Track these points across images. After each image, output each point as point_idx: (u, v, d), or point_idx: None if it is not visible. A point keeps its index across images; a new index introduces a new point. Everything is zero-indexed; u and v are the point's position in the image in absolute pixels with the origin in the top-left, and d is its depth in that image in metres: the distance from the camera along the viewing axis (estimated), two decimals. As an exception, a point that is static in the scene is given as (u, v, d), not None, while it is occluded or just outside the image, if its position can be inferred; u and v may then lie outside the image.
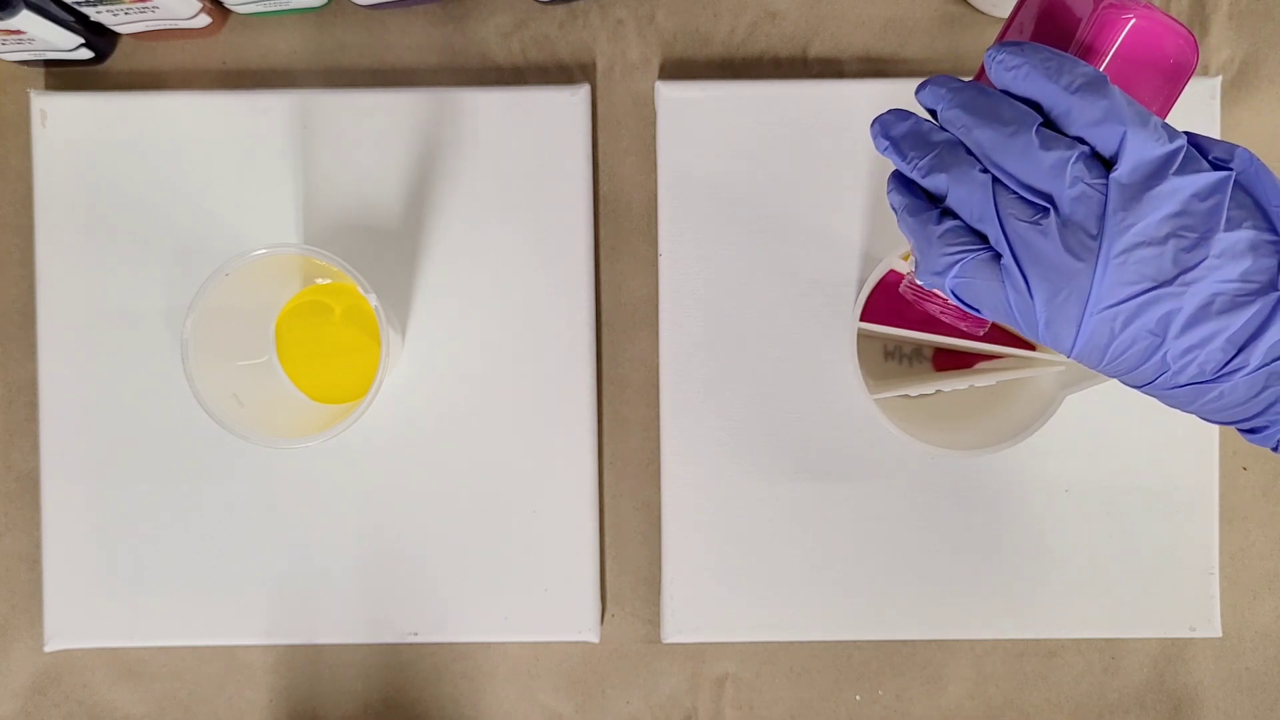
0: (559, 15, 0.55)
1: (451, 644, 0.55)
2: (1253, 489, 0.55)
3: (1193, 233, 0.32)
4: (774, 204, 0.54)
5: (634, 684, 0.55)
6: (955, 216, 0.35)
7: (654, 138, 0.54)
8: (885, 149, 0.37)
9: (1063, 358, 0.49)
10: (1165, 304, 0.32)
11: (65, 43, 0.51)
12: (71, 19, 0.50)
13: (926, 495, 0.54)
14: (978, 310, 0.35)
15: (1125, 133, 0.32)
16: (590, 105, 0.54)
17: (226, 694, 0.55)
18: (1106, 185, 0.32)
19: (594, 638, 0.54)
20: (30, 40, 0.49)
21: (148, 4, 0.49)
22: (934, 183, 0.35)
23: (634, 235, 0.55)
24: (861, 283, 0.53)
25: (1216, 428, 0.54)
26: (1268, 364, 0.32)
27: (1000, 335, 0.52)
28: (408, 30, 0.55)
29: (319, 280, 0.53)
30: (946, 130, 0.35)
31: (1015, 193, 0.34)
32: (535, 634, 0.54)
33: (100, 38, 0.53)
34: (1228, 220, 0.32)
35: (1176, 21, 0.37)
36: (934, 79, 0.36)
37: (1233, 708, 0.56)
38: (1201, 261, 0.32)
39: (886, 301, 0.53)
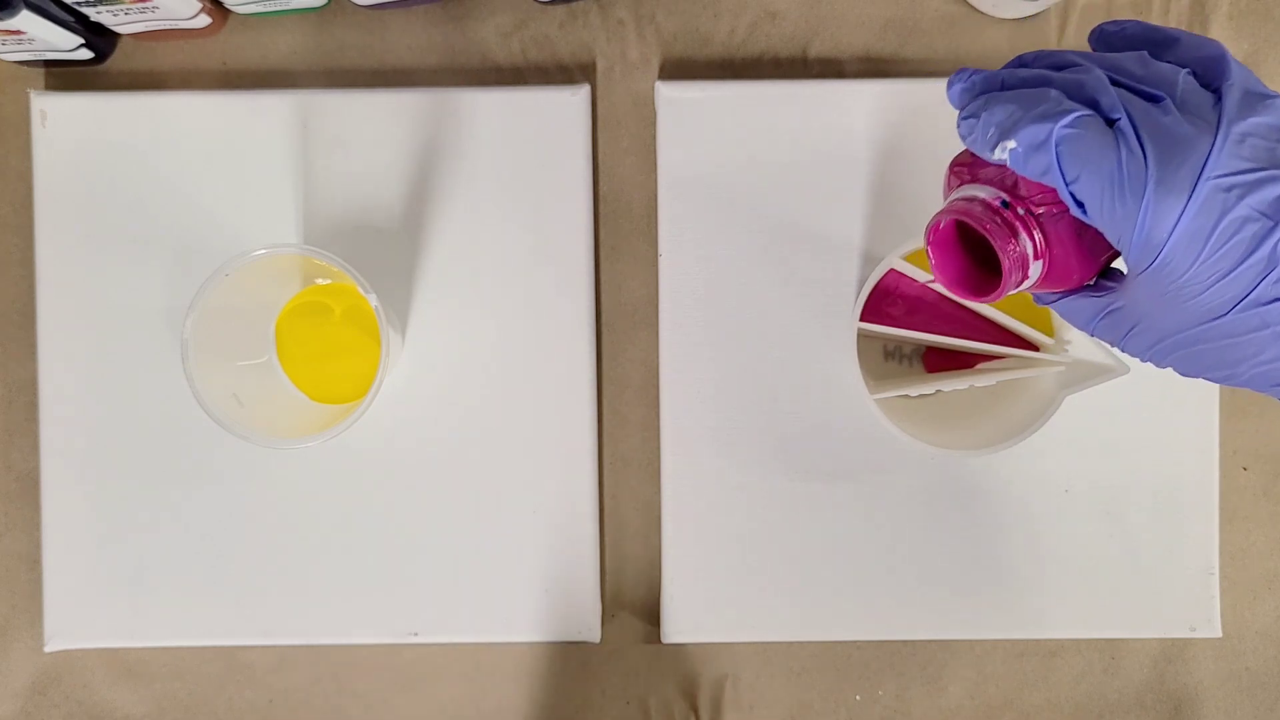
0: (559, 15, 0.55)
1: (451, 644, 0.55)
2: (1253, 489, 0.55)
3: None
4: (774, 204, 0.54)
5: (634, 684, 0.55)
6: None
7: (654, 138, 0.54)
8: (970, 76, 0.35)
9: (1063, 359, 0.49)
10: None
11: (65, 43, 0.51)
12: (71, 19, 0.50)
13: (926, 495, 0.54)
14: (1072, 183, 0.33)
15: (1230, 60, 0.33)
16: (590, 105, 0.54)
17: (226, 694, 0.55)
18: (1219, 92, 0.32)
19: (594, 638, 0.54)
20: (30, 40, 0.49)
21: (148, 4, 0.49)
22: (1040, 74, 0.34)
23: (634, 235, 0.55)
24: (861, 283, 0.53)
25: (1217, 427, 0.54)
26: None
27: (1001, 335, 0.52)
28: (408, 30, 0.55)
29: (319, 280, 0.53)
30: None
31: (1128, 87, 0.33)
32: (535, 634, 0.54)
33: (100, 38, 0.53)
34: None
35: None
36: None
37: (1233, 708, 0.56)
38: None
39: (887, 301, 0.53)
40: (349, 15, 0.55)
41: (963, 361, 0.54)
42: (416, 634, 0.54)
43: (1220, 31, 0.55)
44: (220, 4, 0.53)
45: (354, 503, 0.54)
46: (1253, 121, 0.31)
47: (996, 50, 0.55)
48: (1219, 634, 0.54)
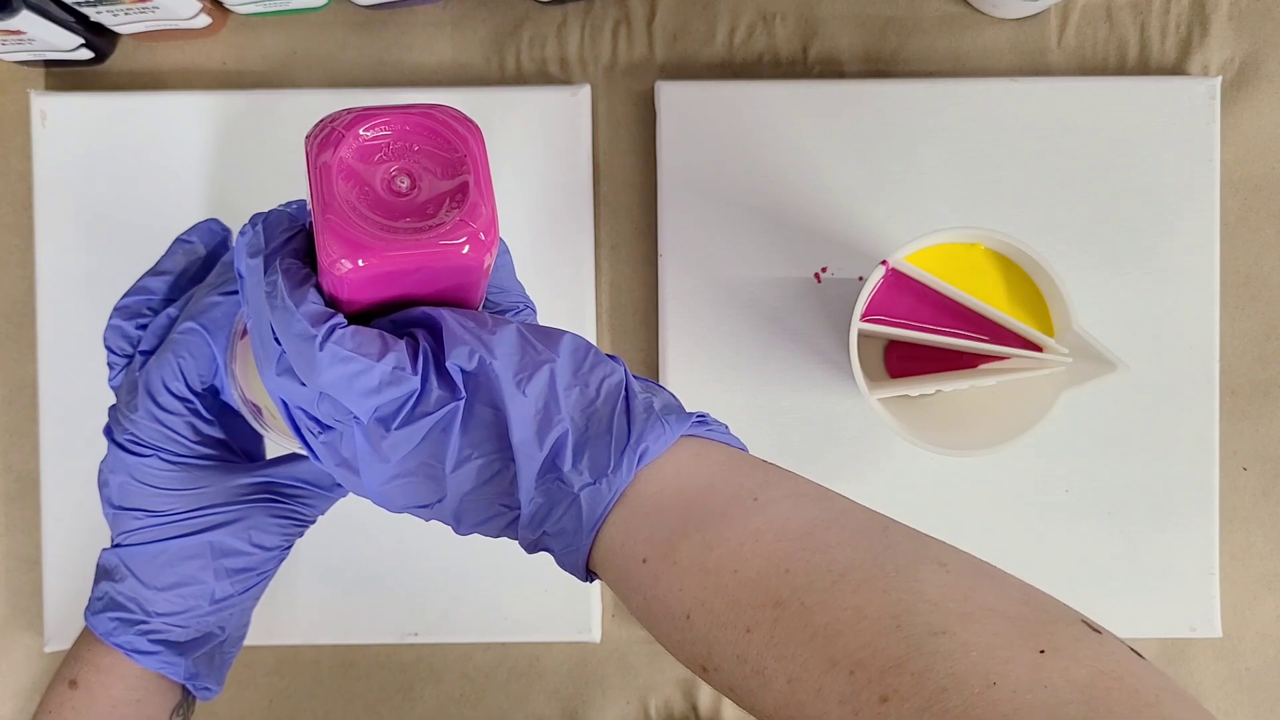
0: (559, 15, 0.55)
1: (451, 644, 0.55)
2: (1253, 489, 0.55)
3: (435, 464, 0.33)
4: (774, 204, 0.54)
5: (634, 684, 0.55)
6: None
7: (654, 138, 0.54)
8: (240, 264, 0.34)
9: (1063, 359, 0.49)
10: (436, 515, 0.34)
11: (65, 43, 0.51)
12: (71, 19, 0.50)
13: (926, 495, 0.54)
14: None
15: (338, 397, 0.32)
16: (590, 105, 0.54)
17: (227, 694, 0.55)
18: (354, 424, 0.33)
19: (594, 638, 0.54)
20: (30, 40, 0.49)
21: (148, 4, 0.49)
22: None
23: (634, 235, 0.55)
24: (861, 283, 0.53)
25: (1217, 427, 0.54)
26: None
27: (1002, 335, 0.52)
28: (408, 30, 0.55)
29: None
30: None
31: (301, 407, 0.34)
32: (535, 634, 0.54)
33: (100, 38, 0.53)
34: (459, 459, 0.33)
35: (441, 240, 0.31)
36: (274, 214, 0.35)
37: (1233, 708, 0.56)
38: (439, 500, 0.34)
39: (887, 301, 0.52)
40: (349, 15, 0.55)
41: (929, 365, 0.54)
42: (416, 634, 0.54)
43: (1220, 31, 0.55)
44: (220, 4, 0.53)
45: (354, 503, 0.54)
46: (392, 465, 0.33)
47: (997, 50, 0.55)
48: (1219, 634, 0.54)
